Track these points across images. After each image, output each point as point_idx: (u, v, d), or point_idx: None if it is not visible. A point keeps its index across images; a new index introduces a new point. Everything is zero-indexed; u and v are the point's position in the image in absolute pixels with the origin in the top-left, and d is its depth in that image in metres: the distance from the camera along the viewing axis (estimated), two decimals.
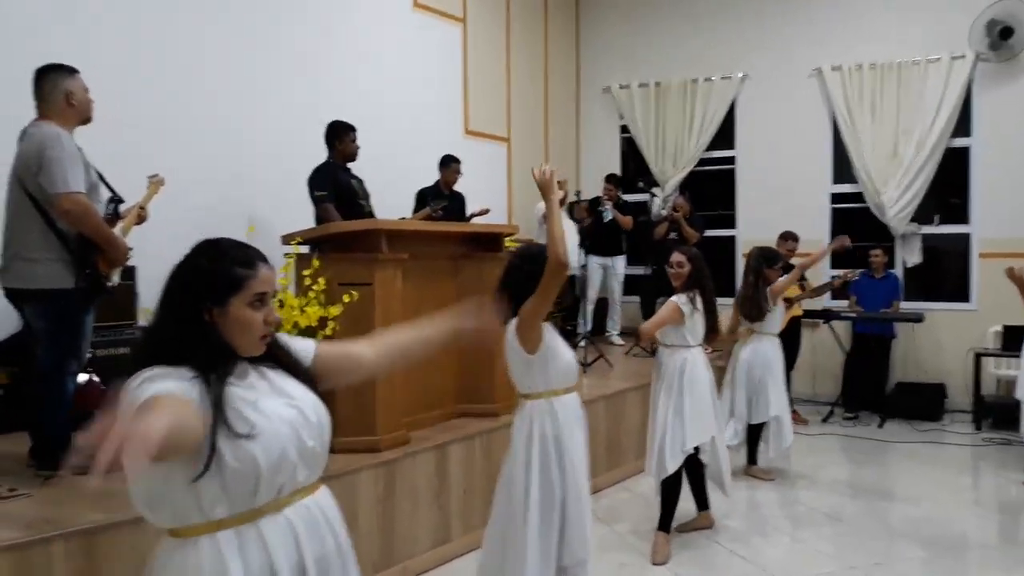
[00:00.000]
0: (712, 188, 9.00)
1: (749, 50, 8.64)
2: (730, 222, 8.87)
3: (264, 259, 1.65)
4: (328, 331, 3.84)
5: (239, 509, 1.51)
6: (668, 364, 4.23)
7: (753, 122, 8.73)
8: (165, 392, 1.42)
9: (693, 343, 4.23)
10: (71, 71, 3.49)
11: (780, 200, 8.39)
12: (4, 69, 3.93)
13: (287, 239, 4.17)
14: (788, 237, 7.17)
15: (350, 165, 5.33)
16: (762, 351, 5.46)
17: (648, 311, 7.96)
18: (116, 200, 3.63)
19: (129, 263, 4.40)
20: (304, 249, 4.20)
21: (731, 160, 8.91)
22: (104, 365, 4.36)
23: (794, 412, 7.06)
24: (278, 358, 1.69)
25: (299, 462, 1.58)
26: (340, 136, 5.20)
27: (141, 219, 3.84)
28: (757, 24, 8.62)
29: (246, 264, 1.59)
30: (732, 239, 8.70)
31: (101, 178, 3.54)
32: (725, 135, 8.87)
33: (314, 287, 3.82)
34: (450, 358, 4.64)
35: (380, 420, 3.94)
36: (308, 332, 3.71)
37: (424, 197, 6.57)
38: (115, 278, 3.58)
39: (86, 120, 3.54)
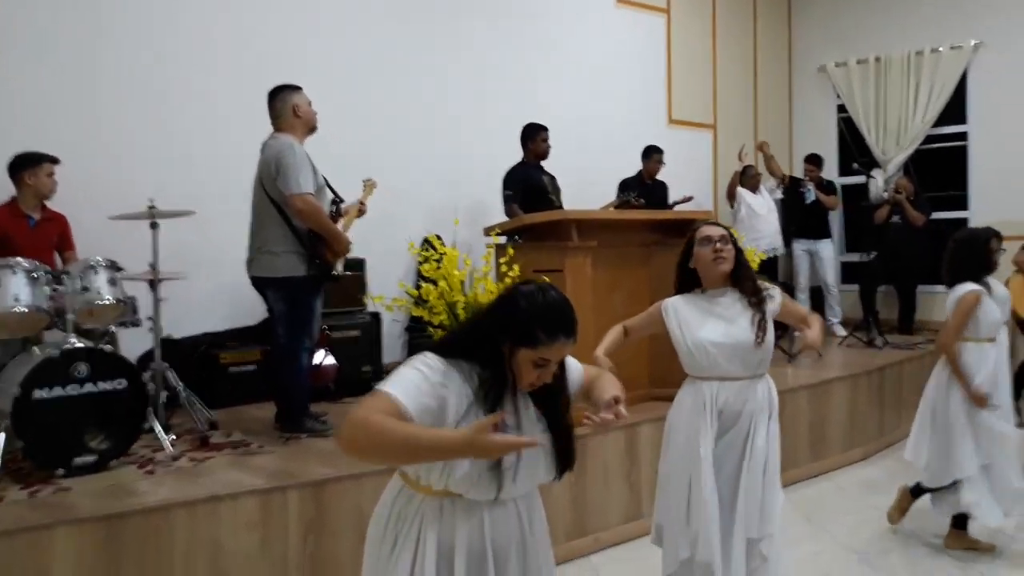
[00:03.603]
0: (940, 167, 8.36)
1: (983, 14, 7.92)
2: (961, 203, 8.21)
3: (570, 333, 1.77)
4: None
5: (450, 490, 1.79)
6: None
7: (989, 94, 8.01)
8: (400, 395, 1.70)
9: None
10: (295, 88, 4.07)
11: (1021, 179, 7.65)
12: (252, 96, 4.59)
13: (488, 231, 4.54)
14: None
15: (543, 163, 5.65)
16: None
17: (868, 300, 7.59)
18: (337, 201, 4.16)
19: (357, 256, 5.02)
20: (503, 240, 4.54)
21: (962, 136, 8.23)
22: (338, 345, 4.99)
23: None
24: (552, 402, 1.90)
25: (513, 488, 1.82)
26: (532, 136, 5.60)
27: (361, 213, 4.37)
28: None
29: (549, 332, 1.75)
30: (964, 221, 8.04)
31: (326, 182, 4.08)
32: (955, 110, 8.21)
33: (510, 274, 4.14)
34: (642, 343, 4.79)
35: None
36: None
37: (625, 188, 6.74)
38: (339, 267, 4.10)
39: (312, 129, 4.11)
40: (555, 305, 1.79)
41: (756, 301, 2.87)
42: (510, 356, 1.77)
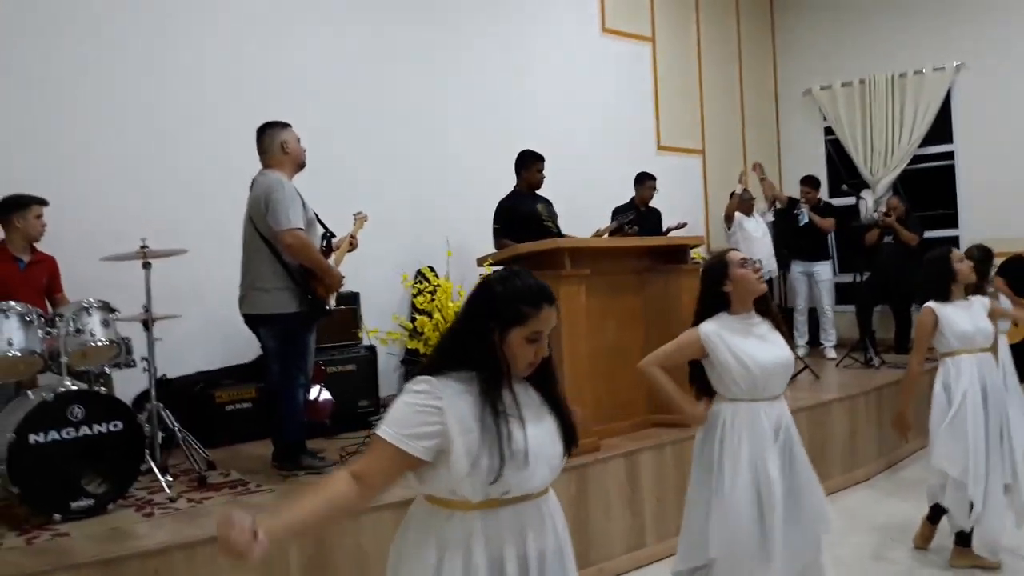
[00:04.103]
0: (929, 187, 8.44)
1: (963, 36, 8.06)
2: (951, 222, 8.27)
3: (551, 300, 1.81)
4: None
5: (486, 497, 1.78)
6: None
7: (973, 113, 8.13)
8: (392, 437, 1.71)
9: None
10: (284, 125, 4.09)
11: (1009, 196, 7.73)
12: (242, 132, 4.62)
13: (481, 261, 4.55)
14: None
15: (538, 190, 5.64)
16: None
17: (865, 321, 7.61)
18: (328, 235, 4.17)
19: (350, 289, 5.02)
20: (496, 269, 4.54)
21: (949, 156, 8.32)
22: (334, 380, 4.98)
23: None
24: (547, 382, 1.92)
25: (538, 474, 1.82)
26: (527, 165, 5.52)
27: (352, 247, 4.37)
28: (971, 6, 8.03)
29: (533, 303, 1.78)
30: (955, 240, 8.10)
31: (316, 217, 4.09)
32: (941, 129, 8.32)
33: None
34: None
35: None
36: None
37: (619, 215, 6.77)
38: (331, 302, 4.09)
39: (301, 165, 4.13)
40: (529, 279, 1.83)
41: (780, 320, 2.95)
42: (501, 344, 1.78)
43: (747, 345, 2.80)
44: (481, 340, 1.78)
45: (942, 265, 3.91)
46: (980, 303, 3.99)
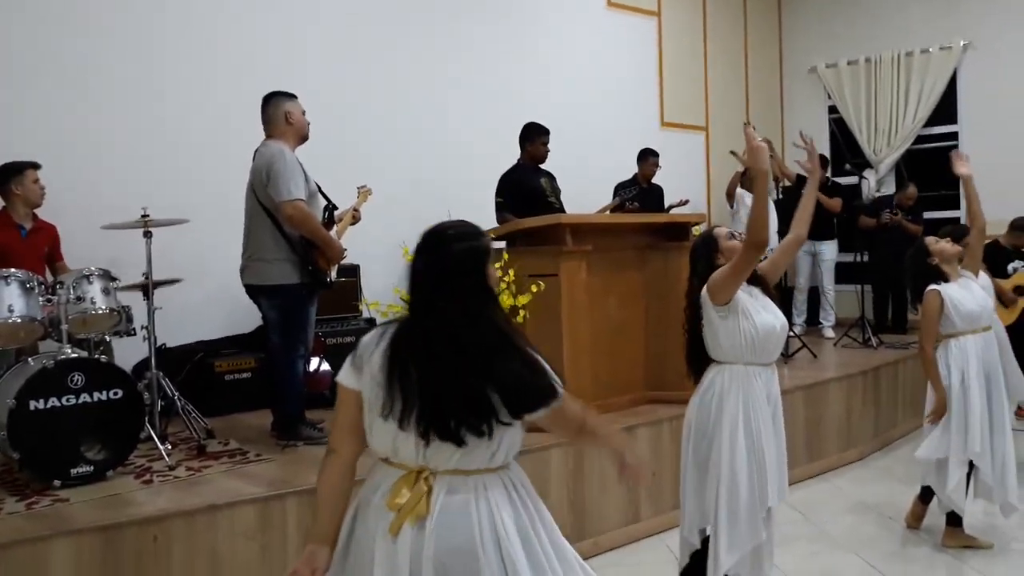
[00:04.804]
0: (932, 167, 8.40)
1: (972, 16, 7.99)
2: (953, 203, 8.24)
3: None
4: (519, 318, 4.17)
5: None
6: None
7: (979, 94, 8.07)
8: None
9: None
10: (290, 96, 4.07)
11: (1012, 178, 7.68)
12: (245, 102, 4.59)
13: None
14: (1019, 227, 6.50)
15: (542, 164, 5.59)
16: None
17: (881, 300, 7.63)
18: (331, 207, 4.16)
19: (351, 262, 5.02)
20: (498, 244, 4.54)
21: (953, 136, 8.28)
22: (333, 352, 4.98)
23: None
24: None
25: None
26: (532, 138, 5.43)
27: (355, 220, 4.36)
28: None
29: (483, 231, 1.79)
30: (956, 221, 8.07)
31: (319, 189, 4.08)
32: (946, 109, 8.27)
33: (505, 278, 4.14)
34: (637, 346, 4.80)
35: None
36: None
37: (620, 191, 6.75)
38: (333, 274, 4.09)
39: (304, 138, 4.10)
40: (454, 223, 1.80)
41: (769, 287, 3.03)
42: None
43: (753, 307, 2.89)
44: (491, 293, 1.75)
45: (922, 258, 3.97)
46: (971, 280, 4.03)
